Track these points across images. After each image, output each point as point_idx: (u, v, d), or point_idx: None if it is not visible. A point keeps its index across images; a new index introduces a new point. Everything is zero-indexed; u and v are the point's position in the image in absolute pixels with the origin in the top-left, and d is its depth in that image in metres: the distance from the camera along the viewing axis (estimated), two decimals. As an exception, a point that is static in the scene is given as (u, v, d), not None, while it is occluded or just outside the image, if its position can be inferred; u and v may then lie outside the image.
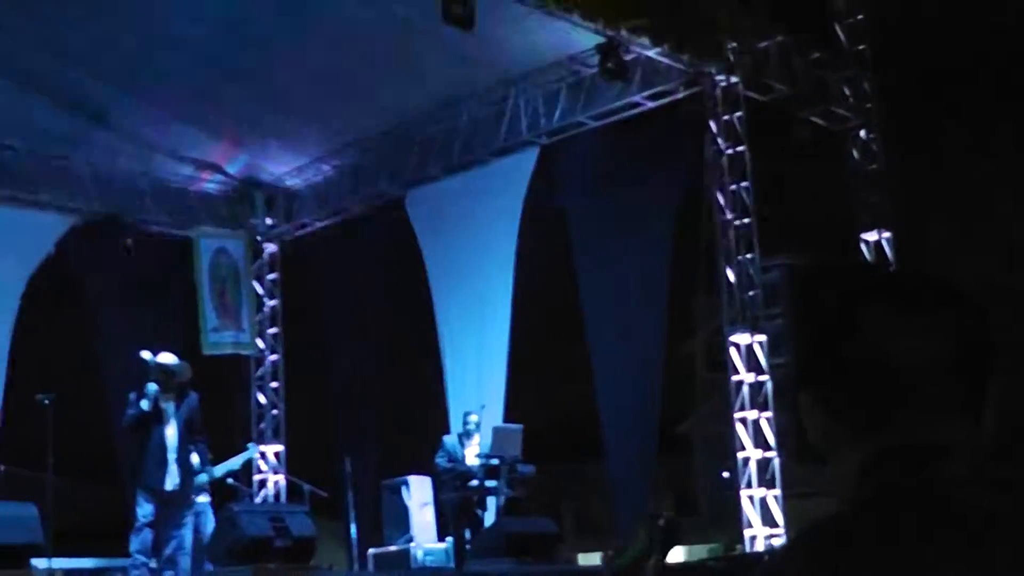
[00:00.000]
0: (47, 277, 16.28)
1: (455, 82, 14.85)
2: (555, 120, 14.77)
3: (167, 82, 13.86)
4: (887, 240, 14.74)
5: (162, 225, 17.34)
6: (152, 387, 11.10)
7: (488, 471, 13.13)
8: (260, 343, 18.21)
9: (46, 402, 11.52)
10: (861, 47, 14.77)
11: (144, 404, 11.06)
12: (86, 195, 16.52)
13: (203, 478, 12.72)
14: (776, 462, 13.11)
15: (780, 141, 14.34)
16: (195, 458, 12.20)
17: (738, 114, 13.68)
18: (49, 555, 10.42)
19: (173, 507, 11.18)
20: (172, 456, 11.12)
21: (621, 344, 14.38)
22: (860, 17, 14.86)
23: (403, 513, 14.74)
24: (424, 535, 14.56)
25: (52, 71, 14.29)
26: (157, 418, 11.15)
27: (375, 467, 15.19)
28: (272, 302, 18.43)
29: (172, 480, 11.10)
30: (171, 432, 11.19)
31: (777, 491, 13.09)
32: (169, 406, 11.24)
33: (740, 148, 13.64)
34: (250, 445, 14.90)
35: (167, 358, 11.38)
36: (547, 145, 15.03)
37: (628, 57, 13.53)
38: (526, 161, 15.17)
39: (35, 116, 14.86)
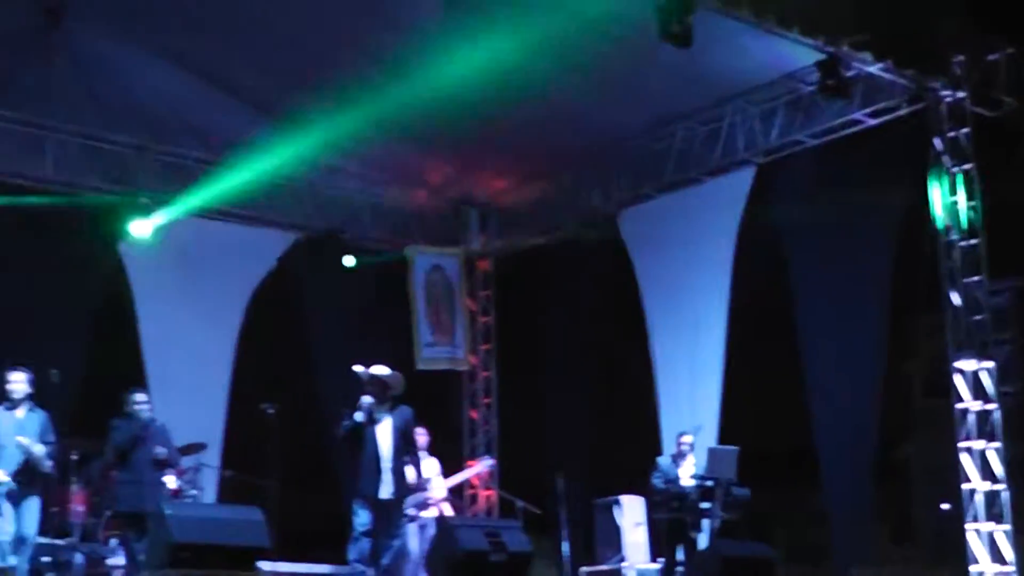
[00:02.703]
0: (270, 291, 16.75)
1: (671, 101, 14.80)
2: (773, 138, 14.59)
3: (384, 103, 14.10)
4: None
5: (379, 242, 17.66)
6: (366, 399, 11.33)
7: (703, 492, 13.02)
8: (473, 359, 18.40)
9: (270, 412, 11.81)
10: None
11: (359, 415, 11.30)
12: (307, 212, 16.95)
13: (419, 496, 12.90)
14: (1005, 495, 12.69)
15: (1009, 158, 13.88)
16: (410, 471, 12.40)
17: (964, 130, 13.34)
18: (274, 559, 10.66)
19: (389, 516, 11.37)
20: (387, 465, 11.34)
21: (838, 366, 14.08)
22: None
23: (615, 532, 14.70)
24: (636, 555, 14.49)
25: (279, 95, 14.73)
26: (371, 428, 11.38)
27: (587, 485, 15.16)
28: (485, 319, 18.61)
29: (387, 489, 11.31)
30: (385, 442, 11.40)
31: (1007, 526, 12.66)
32: (383, 416, 11.46)
33: (967, 166, 13.28)
34: (481, 460, 15.11)
35: (381, 370, 11.63)
36: (764, 164, 14.85)
37: (849, 73, 13.32)
38: (743, 180, 15.01)
39: (260, 136, 15.31)
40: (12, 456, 10.70)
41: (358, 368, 11.74)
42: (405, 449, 11.69)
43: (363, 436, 11.37)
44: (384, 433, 11.41)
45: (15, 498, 10.67)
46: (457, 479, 14.20)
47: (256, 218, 16.53)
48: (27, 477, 10.77)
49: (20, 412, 10.88)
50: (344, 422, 11.45)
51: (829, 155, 14.17)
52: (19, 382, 10.89)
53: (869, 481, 14.26)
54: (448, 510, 13.34)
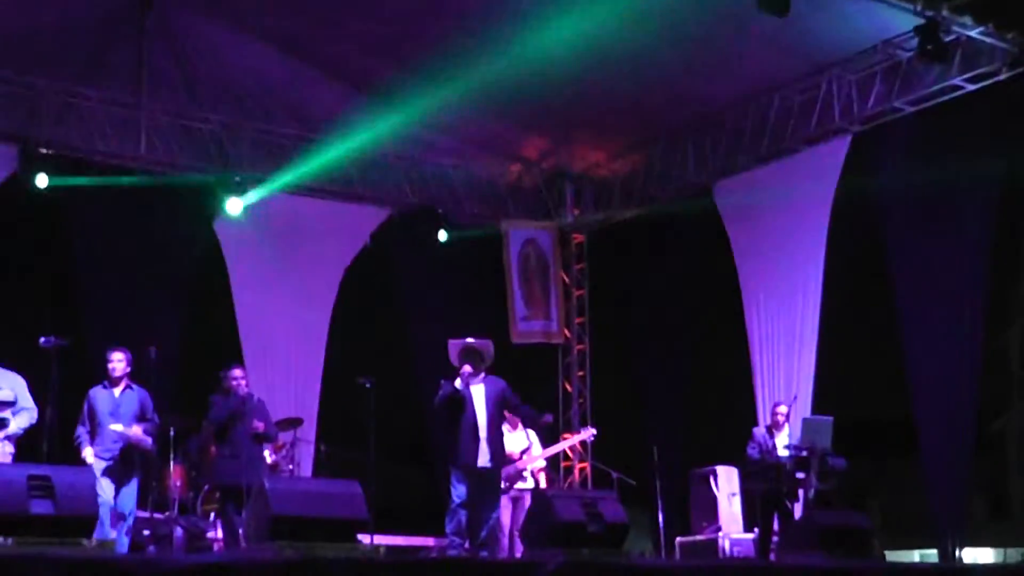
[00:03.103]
0: (363, 267, 16.86)
1: (767, 70, 14.64)
2: (869, 106, 14.39)
3: (479, 76, 14.09)
4: None
5: (473, 216, 17.69)
6: (466, 368, 11.43)
7: (798, 462, 12.92)
8: (567, 332, 18.41)
9: (367, 385, 11.90)
10: None
11: (458, 383, 11.40)
12: (400, 188, 17.02)
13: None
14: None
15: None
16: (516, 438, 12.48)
17: (1066, 94, 13.06)
18: (372, 531, 10.76)
19: (486, 486, 11.42)
20: (484, 434, 11.42)
21: (937, 336, 13.89)
22: None
23: (711, 503, 14.68)
24: (732, 525, 14.47)
25: (372, 71, 14.78)
26: (468, 398, 11.46)
27: (682, 456, 15.12)
28: (579, 292, 18.60)
29: (484, 457, 11.38)
30: (481, 411, 11.48)
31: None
32: (479, 387, 11.54)
33: (1070, 130, 13.02)
34: (583, 430, 15.13)
35: (475, 341, 11.71)
36: (860, 132, 14.67)
37: (948, 38, 13.10)
38: (838, 149, 14.81)
39: (353, 112, 15.39)
40: (110, 434, 10.92)
41: (452, 341, 11.84)
42: (501, 419, 11.78)
43: (461, 405, 11.47)
44: (480, 402, 11.51)
45: (115, 476, 10.87)
46: (554, 450, 14.22)
47: (349, 194, 16.63)
48: (127, 458, 10.99)
49: (117, 391, 11.09)
50: (440, 391, 11.56)
51: (927, 122, 13.93)
52: (118, 361, 11.10)
53: (969, 452, 14.04)
54: (543, 482, 13.36)
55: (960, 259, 13.81)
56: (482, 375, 11.67)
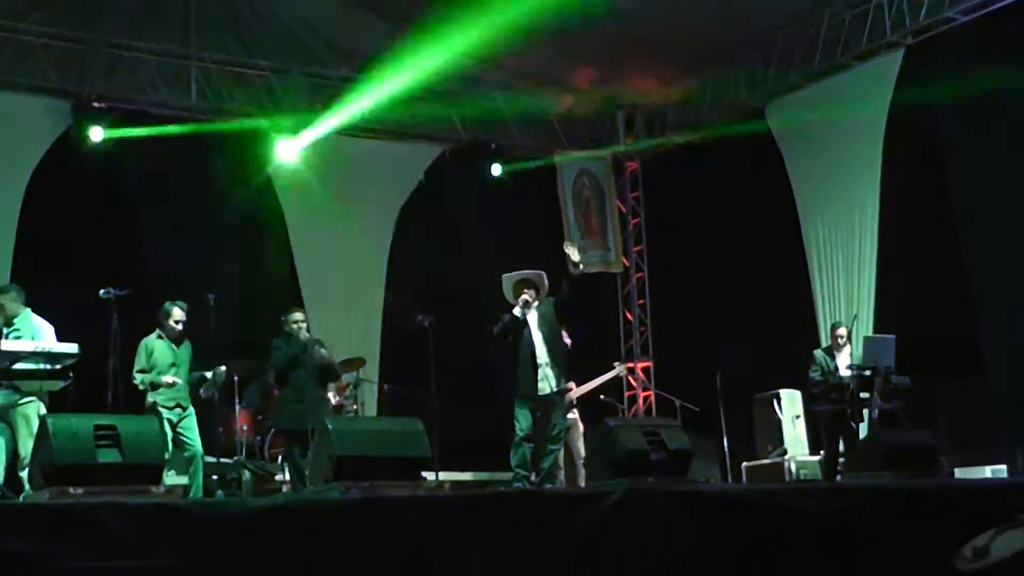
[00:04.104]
0: (419, 204, 16.87)
1: (816, -14, 14.48)
2: (921, 18, 14.19)
3: (524, 7, 13.98)
4: None
5: (526, 149, 17.64)
6: (524, 296, 11.44)
7: (861, 382, 12.85)
8: (625, 261, 18.37)
9: (426, 324, 11.94)
10: None
11: (517, 311, 11.43)
12: (452, 124, 16.98)
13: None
14: None
15: None
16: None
17: None
18: (436, 469, 10.84)
19: (551, 412, 11.44)
20: (543, 360, 11.44)
21: (1000, 250, 13.71)
22: None
23: (776, 426, 14.68)
24: (797, 448, 14.45)
25: (417, 7, 14.70)
26: (527, 328, 11.49)
27: (746, 381, 15.08)
28: (636, 220, 18.53)
29: (547, 384, 11.40)
30: (538, 338, 11.51)
31: None
32: (533, 315, 11.56)
33: None
34: (615, 364, 15.09)
35: (529, 272, 11.73)
36: (913, 45, 14.46)
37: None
38: (891, 63, 14.62)
39: (401, 50, 15.31)
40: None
41: (506, 276, 11.85)
42: (559, 342, 11.77)
43: (519, 335, 11.49)
44: (536, 330, 11.53)
45: (175, 420, 11.06)
46: (588, 387, 14.19)
47: (401, 133, 16.65)
48: (186, 404, 11.18)
49: (176, 343, 11.27)
50: (497, 325, 11.60)
51: (981, 31, 13.69)
52: (182, 316, 11.27)
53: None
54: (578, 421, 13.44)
55: (1020, 170, 13.59)
56: (535, 304, 11.70)
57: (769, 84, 16.05)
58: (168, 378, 11.06)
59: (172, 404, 11.08)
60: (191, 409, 11.26)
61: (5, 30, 14.12)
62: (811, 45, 15.33)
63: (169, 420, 10.98)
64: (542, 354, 11.47)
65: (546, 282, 11.81)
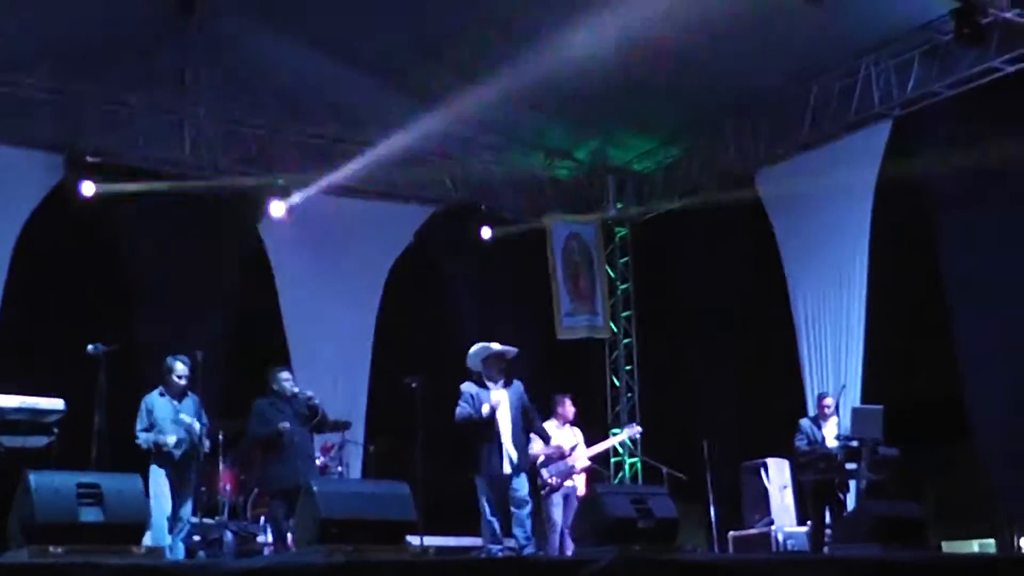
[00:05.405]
0: (408, 266, 16.86)
1: (805, 57, 14.56)
2: (909, 91, 14.29)
3: (517, 72, 14.07)
4: None
5: (516, 212, 17.67)
6: (493, 403, 11.36)
7: (848, 453, 12.84)
8: (614, 327, 18.36)
9: (413, 385, 11.89)
10: None
11: (485, 411, 11.31)
12: (443, 185, 17.03)
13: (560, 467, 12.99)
14: None
15: None
16: (538, 443, 12.42)
17: (1111, 75, 12.90)
18: (421, 533, 10.76)
19: (510, 487, 11.36)
20: (507, 441, 11.36)
21: (988, 319, 13.72)
22: None
23: (763, 495, 14.62)
24: (784, 518, 14.39)
25: (412, 70, 14.78)
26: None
27: (733, 449, 15.04)
28: (625, 285, 18.55)
29: (508, 465, 11.32)
30: (505, 420, 11.44)
31: None
32: (501, 393, 11.48)
33: (1114, 110, 12.84)
34: (629, 425, 15.14)
35: (501, 347, 11.65)
36: (900, 117, 14.56)
37: (985, 20, 12.97)
38: (879, 135, 14.71)
39: (395, 111, 15.39)
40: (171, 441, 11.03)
41: (475, 347, 11.77)
42: (525, 423, 11.69)
43: (489, 421, 11.39)
44: (504, 411, 11.43)
45: (175, 483, 10.97)
46: (600, 448, 14.21)
47: (392, 194, 16.66)
48: (186, 464, 11.08)
49: (178, 400, 11.20)
50: (461, 409, 11.43)
51: (967, 105, 13.81)
52: (184, 370, 11.22)
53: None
54: (580, 485, 13.33)
55: (1011, 242, 13.65)
56: (501, 380, 11.61)
57: (759, 152, 16.11)
58: (171, 438, 10.96)
59: (169, 463, 11.01)
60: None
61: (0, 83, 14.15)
62: (800, 114, 15.42)
63: (171, 478, 10.90)
64: (507, 436, 11.39)
65: (514, 353, 11.77)
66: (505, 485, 11.30)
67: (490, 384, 11.55)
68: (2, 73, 14.09)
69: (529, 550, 11.28)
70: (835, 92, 15.00)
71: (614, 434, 15.84)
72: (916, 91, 14.18)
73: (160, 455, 10.99)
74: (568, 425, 13.57)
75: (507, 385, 11.58)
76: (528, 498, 11.56)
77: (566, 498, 13.07)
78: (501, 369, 11.60)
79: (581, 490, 13.22)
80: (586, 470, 13.47)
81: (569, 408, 13.59)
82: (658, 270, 17.99)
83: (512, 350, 11.77)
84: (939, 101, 14.06)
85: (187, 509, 11.16)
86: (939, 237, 14.12)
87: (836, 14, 12.93)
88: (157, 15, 14.09)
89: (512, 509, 11.30)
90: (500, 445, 11.30)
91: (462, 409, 11.42)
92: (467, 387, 11.52)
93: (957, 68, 13.72)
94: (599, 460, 14.67)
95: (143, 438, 11.05)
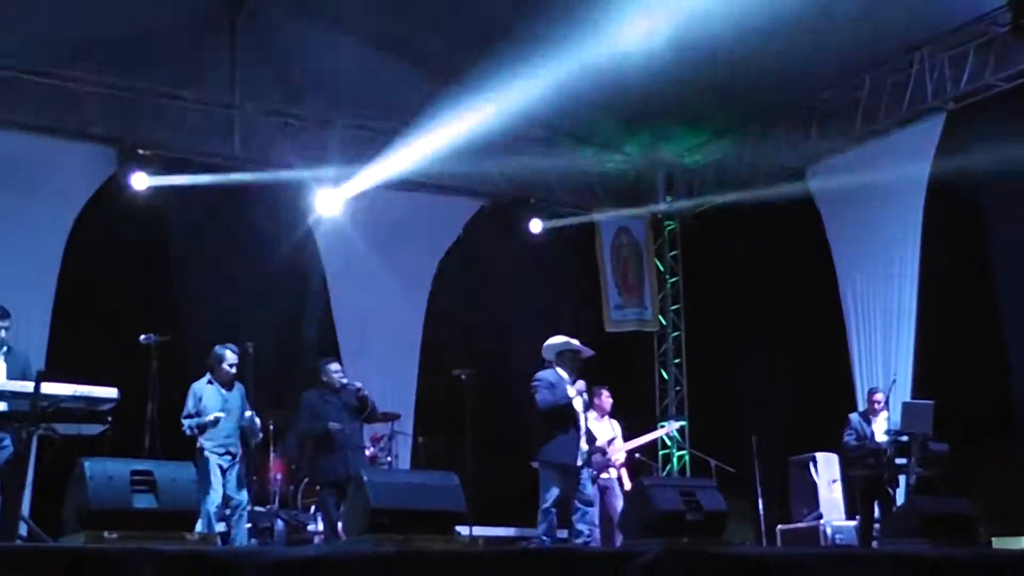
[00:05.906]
0: (457, 259, 16.90)
1: (859, 50, 14.46)
2: (963, 84, 14.19)
3: (569, 65, 14.06)
4: None
5: (565, 205, 17.67)
6: (580, 385, 11.42)
7: (898, 448, 12.76)
8: (662, 320, 18.35)
9: (463, 377, 11.92)
10: None
11: (571, 392, 11.30)
12: (493, 179, 17.04)
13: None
14: None
15: None
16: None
17: None
18: (471, 523, 10.80)
19: (579, 479, 11.38)
20: (583, 434, 11.38)
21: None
22: None
23: (811, 490, 14.56)
24: (833, 512, 14.34)
25: (463, 62, 14.79)
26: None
27: (782, 443, 14.99)
28: (674, 279, 18.53)
29: (582, 456, 11.35)
30: (580, 412, 11.44)
31: None
32: (570, 387, 11.49)
33: None
34: (667, 421, 15.09)
35: (577, 344, 11.65)
36: (954, 111, 14.45)
37: (1042, 12, 12.89)
38: (932, 128, 14.61)
39: (444, 105, 15.40)
40: (221, 430, 11.09)
41: (556, 339, 11.75)
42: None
43: (570, 411, 11.41)
44: (577, 405, 11.46)
45: (226, 469, 11.05)
46: (638, 442, 14.16)
47: (442, 186, 16.68)
48: (235, 451, 11.17)
49: (226, 389, 11.28)
50: (543, 395, 11.40)
51: (1022, 98, 13.68)
52: (234, 359, 11.30)
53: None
54: (625, 478, 13.33)
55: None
56: (573, 377, 11.63)
57: (810, 147, 16.04)
58: (212, 415, 11.05)
59: (222, 451, 11.07)
60: (239, 456, 11.26)
61: (53, 77, 14.27)
62: (852, 109, 15.34)
63: (220, 466, 10.99)
64: (583, 428, 11.43)
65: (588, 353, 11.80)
66: (576, 477, 11.30)
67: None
68: (55, 67, 14.22)
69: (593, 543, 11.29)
70: (887, 86, 14.91)
71: (661, 427, 15.79)
72: (970, 84, 14.08)
73: (208, 442, 11.05)
74: (607, 417, 13.56)
75: (575, 383, 11.59)
76: (593, 498, 11.59)
77: (604, 490, 13.04)
78: (575, 367, 11.60)
79: (626, 483, 13.21)
80: (622, 467, 13.44)
81: (607, 400, 13.56)
82: (707, 264, 17.96)
83: (589, 352, 11.75)
84: (994, 94, 13.94)
85: (243, 494, 11.22)
86: (992, 234, 14.02)
87: (892, 6, 12.86)
88: (207, 9, 14.20)
89: (578, 504, 11.27)
90: (578, 436, 11.31)
91: (544, 395, 11.36)
92: (547, 374, 11.46)
93: (1013, 61, 13.61)
94: (646, 452, 14.66)
95: (187, 424, 11.13)
